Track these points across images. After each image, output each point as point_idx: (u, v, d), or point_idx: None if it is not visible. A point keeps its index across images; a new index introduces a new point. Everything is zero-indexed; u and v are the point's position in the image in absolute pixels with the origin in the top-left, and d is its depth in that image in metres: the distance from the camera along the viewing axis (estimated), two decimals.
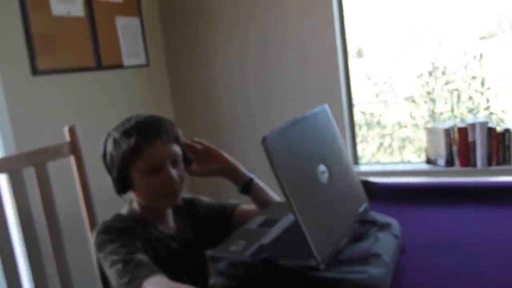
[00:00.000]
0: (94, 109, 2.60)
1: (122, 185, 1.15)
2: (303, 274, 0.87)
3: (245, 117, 3.03)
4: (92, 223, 1.55)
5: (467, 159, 2.46)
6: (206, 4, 3.00)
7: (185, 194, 1.28)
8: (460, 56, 2.88)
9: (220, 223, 1.29)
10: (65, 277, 1.48)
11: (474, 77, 2.81)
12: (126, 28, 2.82)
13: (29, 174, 1.43)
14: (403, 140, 3.18)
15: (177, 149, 1.17)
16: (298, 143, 0.96)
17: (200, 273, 1.26)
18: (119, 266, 1.01)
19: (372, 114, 3.17)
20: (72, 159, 1.54)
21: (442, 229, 1.20)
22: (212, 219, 1.29)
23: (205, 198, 1.33)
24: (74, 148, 1.53)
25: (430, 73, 2.99)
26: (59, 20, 2.42)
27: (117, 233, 1.08)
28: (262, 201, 1.27)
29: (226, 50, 3.00)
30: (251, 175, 1.28)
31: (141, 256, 1.03)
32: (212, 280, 0.94)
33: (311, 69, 2.77)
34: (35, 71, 2.28)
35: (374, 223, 1.06)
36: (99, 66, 2.63)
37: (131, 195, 1.19)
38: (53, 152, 1.50)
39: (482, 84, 2.79)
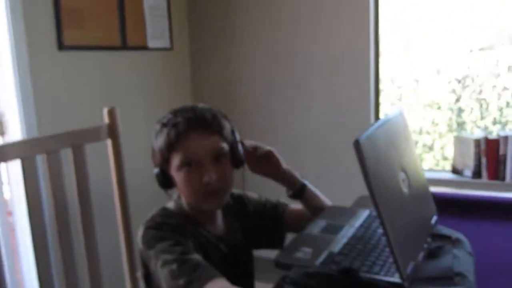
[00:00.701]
0: (117, 89, 2.52)
1: (165, 182, 1.08)
2: None
3: (266, 110, 2.95)
4: (124, 211, 1.48)
5: (496, 172, 2.41)
6: None
7: (234, 190, 1.21)
8: (490, 65, 2.82)
9: (270, 222, 1.23)
10: (93, 263, 1.41)
11: (506, 88, 2.75)
12: (153, 9, 2.72)
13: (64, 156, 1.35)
14: (424, 147, 3.12)
15: (219, 143, 1.05)
16: (383, 148, 0.90)
17: (244, 275, 1.19)
18: (173, 266, 0.93)
19: None
20: (109, 142, 1.46)
21: (505, 247, 1.14)
22: (262, 218, 1.22)
23: (254, 195, 1.26)
24: (112, 131, 1.45)
25: (459, 81, 2.92)
26: None
27: (170, 230, 1.00)
28: (313, 205, 1.21)
29: (253, 40, 2.91)
30: (304, 181, 1.21)
31: (197, 257, 0.96)
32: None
33: (341, 67, 2.69)
34: (61, 45, 2.18)
35: (448, 238, 0.99)
36: (124, 46, 2.53)
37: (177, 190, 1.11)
38: (90, 134, 1.42)
39: None
